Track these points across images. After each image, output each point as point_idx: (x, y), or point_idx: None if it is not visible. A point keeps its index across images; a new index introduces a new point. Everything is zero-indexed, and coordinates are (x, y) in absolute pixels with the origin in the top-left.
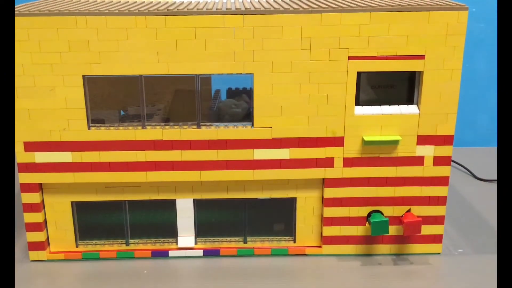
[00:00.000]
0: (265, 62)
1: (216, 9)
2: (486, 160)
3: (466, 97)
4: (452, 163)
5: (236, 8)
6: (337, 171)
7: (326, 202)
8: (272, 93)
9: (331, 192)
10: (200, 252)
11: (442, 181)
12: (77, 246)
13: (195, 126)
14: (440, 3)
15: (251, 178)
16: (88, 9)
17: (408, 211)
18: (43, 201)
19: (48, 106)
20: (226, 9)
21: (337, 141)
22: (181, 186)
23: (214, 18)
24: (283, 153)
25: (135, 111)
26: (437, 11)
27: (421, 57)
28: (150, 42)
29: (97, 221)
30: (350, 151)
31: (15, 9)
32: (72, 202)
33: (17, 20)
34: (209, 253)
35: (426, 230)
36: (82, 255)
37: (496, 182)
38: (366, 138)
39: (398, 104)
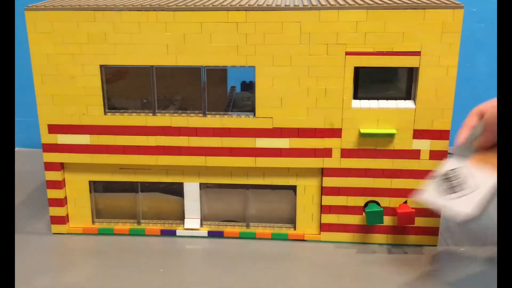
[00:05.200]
0: (266, 55)
1: (221, 5)
2: None
3: (467, 98)
4: None
5: (239, 5)
6: (335, 161)
7: (325, 191)
8: (273, 85)
9: (329, 182)
10: (205, 233)
11: None
12: (93, 223)
13: (201, 115)
14: (436, 2)
15: (252, 165)
16: (105, 4)
17: (405, 202)
18: (64, 179)
19: (69, 93)
20: (230, 5)
21: (335, 133)
22: (188, 170)
23: (218, 13)
24: (283, 142)
25: (169, 99)
26: (433, 9)
27: (417, 53)
28: (160, 35)
29: (112, 201)
30: (348, 142)
31: (41, 4)
32: (90, 182)
33: (42, 14)
34: (213, 234)
35: (423, 222)
36: (98, 230)
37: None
38: (363, 131)
39: (395, 99)
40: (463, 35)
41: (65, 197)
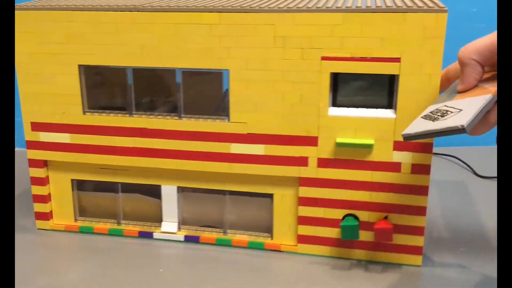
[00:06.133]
0: (240, 59)
1: (195, 6)
2: (486, 159)
3: None
4: (455, 159)
5: (214, 6)
6: (312, 171)
7: (301, 201)
8: (247, 89)
9: (306, 192)
10: (181, 237)
11: (421, 190)
12: (75, 221)
13: (177, 117)
14: (419, 5)
15: (228, 171)
16: (83, 4)
17: (385, 218)
18: (47, 176)
19: (50, 91)
20: (204, 6)
21: (311, 141)
22: (165, 173)
23: (192, 15)
24: (258, 149)
25: (145, 100)
26: (414, 13)
27: (397, 60)
28: (136, 36)
29: (94, 200)
30: (325, 151)
31: (23, 4)
32: (72, 180)
33: (24, 14)
34: (190, 239)
35: (405, 240)
36: (79, 228)
37: (496, 179)
38: (338, 140)
39: (375, 108)
40: (463, 35)
41: (49, 193)
